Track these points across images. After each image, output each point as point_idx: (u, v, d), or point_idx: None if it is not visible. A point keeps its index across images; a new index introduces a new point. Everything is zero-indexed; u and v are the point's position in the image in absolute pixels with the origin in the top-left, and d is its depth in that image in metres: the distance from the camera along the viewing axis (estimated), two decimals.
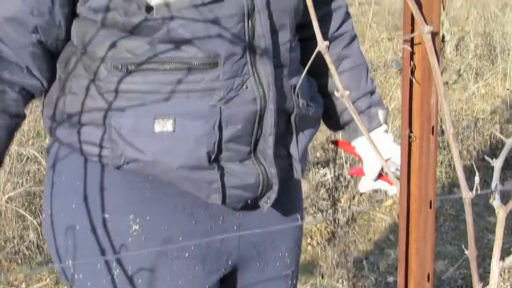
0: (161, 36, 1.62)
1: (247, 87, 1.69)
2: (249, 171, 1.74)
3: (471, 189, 1.08)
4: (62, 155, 1.79)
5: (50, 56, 1.73)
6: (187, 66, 1.64)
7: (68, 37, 1.72)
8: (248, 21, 1.66)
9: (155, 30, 1.62)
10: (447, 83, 6.50)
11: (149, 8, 1.60)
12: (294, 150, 1.82)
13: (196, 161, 1.68)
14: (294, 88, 1.78)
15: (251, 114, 1.70)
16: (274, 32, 1.71)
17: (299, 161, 1.83)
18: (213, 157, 1.68)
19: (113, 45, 1.65)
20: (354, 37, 2.00)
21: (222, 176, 1.72)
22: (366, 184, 2.00)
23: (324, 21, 1.94)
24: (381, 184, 2.01)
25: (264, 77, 1.69)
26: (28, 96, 1.72)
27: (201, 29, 1.63)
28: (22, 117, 1.72)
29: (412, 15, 1.19)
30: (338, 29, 1.97)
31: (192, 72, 1.65)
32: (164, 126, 1.66)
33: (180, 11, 1.61)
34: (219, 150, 1.69)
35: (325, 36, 1.83)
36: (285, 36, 1.75)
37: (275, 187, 1.77)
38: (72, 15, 1.69)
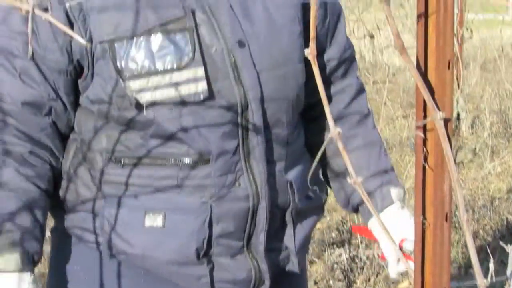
0: (152, 131, 1.65)
1: (239, 184, 1.69)
2: (241, 266, 1.73)
3: (486, 275, 1.06)
4: (62, 238, 1.80)
5: (62, 139, 1.76)
6: (178, 162, 1.66)
7: (73, 125, 1.76)
8: (242, 118, 1.67)
9: (146, 125, 1.65)
10: (462, 162, 6.47)
11: (139, 105, 1.62)
12: (290, 243, 1.80)
13: (185, 257, 1.68)
14: (291, 183, 1.77)
15: (243, 211, 1.70)
16: (268, 128, 1.72)
17: (295, 254, 1.81)
18: (202, 253, 1.68)
19: (108, 137, 1.69)
20: (366, 115, 1.97)
21: (211, 270, 1.71)
22: (392, 270, 1.92)
23: (332, 100, 1.93)
24: (406, 265, 1.96)
25: (258, 174, 1.69)
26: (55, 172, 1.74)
27: (192, 127, 1.65)
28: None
29: (424, 100, 1.18)
30: (347, 107, 1.94)
31: (183, 169, 1.66)
32: (154, 221, 1.67)
33: (170, 108, 1.63)
34: (209, 246, 1.69)
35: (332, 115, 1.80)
36: (280, 132, 1.75)
37: (267, 283, 1.74)
38: (76, 104, 1.72)
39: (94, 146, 1.71)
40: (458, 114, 7.27)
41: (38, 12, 0.99)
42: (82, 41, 0.96)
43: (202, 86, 1.63)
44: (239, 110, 1.67)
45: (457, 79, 7.04)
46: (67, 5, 1.62)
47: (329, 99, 1.88)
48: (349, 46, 1.95)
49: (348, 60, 1.94)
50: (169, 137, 1.65)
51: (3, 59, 1.67)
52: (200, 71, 1.63)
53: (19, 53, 1.66)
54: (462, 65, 7.26)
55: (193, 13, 1.64)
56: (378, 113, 7.44)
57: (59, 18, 1.61)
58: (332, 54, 1.89)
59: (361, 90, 1.97)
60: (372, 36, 9.90)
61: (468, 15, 7.73)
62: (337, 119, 1.89)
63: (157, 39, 1.62)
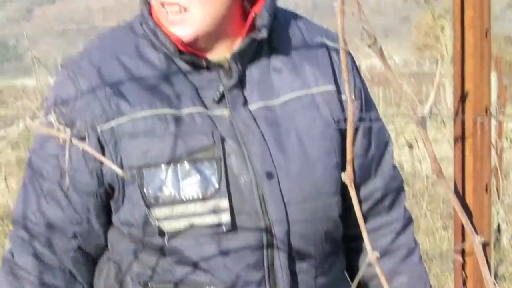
0: (177, 259, 1.67)
1: None
2: None
3: None
4: None
5: (91, 260, 1.78)
6: None
7: (106, 244, 1.78)
8: (267, 251, 1.67)
9: (171, 253, 1.67)
10: (503, 275, 6.35)
11: (163, 233, 1.66)
12: None
13: None
14: None
15: None
16: (295, 262, 1.71)
17: None
18: None
19: (137, 261, 1.71)
20: (413, 249, 1.89)
21: None
22: None
23: (377, 234, 1.86)
24: None
25: None
26: None
27: (216, 257, 1.66)
28: None
29: (462, 224, 1.19)
30: (393, 242, 1.87)
31: None
32: None
33: (193, 238, 1.65)
34: None
35: (377, 249, 1.77)
36: (309, 265, 1.74)
37: None
38: (109, 223, 1.75)
39: (123, 266, 1.73)
40: (499, 225, 7.17)
41: (75, 141, 1.02)
42: (118, 170, 0.98)
43: (226, 217, 1.64)
44: (265, 243, 1.67)
45: (496, 190, 6.98)
46: (99, 129, 1.67)
47: (374, 232, 1.85)
48: (395, 176, 1.88)
49: (394, 191, 1.87)
50: (193, 265, 1.66)
51: (34, 180, 1.71)
52: (225, 202, 1.64)
53: (48, 175, 1.70)
54: (501, 175, 7.21)
55: (223, 141, 1.67)
56: (417, 225, 7.37)
57: (91, 142, 1.65)
58: (376, 185, 1.84)
59: (408, 222, 1.90)
60: (410, 146, 9.92)
61: (507, 124, 7.73)
62: (382, 255, 1.83)
63: (184, 167, 1.64)
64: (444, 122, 9.49)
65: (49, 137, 1.68)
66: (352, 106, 1.21)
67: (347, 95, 1.17)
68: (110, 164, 1.06)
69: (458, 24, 1.32)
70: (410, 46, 40.79)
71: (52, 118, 1.02)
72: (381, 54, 1.15)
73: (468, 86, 1.33)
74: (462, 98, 1.32)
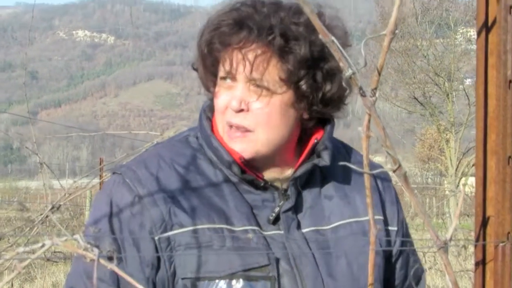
0: None
1: None
2: None
3: None
4: None
5: None
6: None
7: None
8: None
9: None
10: None
11: None
12: None
13: None
14: None
15: None
16: None
17: None
18: None
19: None
20: None
21: None
22: None
23: None
24: None
25: None
26: None
27: None
28: None
29: None
30: None
31: None
32: None
33: None
34: None
35: None
36: None
37: None
38: None
39: None
40: None
41: (102, 261, 1.02)
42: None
43: None
44: None
45: None
46: (156, 237, 1.70)
47: None
48: None
49: None
50: None
51: (89, 283, 1.73)
52: None
53: (107, 279, 1.70)
54: None
55: (277, 262, 1.69)
56: None
57: (148, 248, 1.69)
58: None
59: None
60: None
61: None
62: None
63: (238, 283, 1.67)
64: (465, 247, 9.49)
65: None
66: (375, 230, 1.21)
67: (370, 219, 1.18)
68: (133, 282, 1.05)
69: (481, 150, 1.34)
70: (414, 158, 41.04)
71: (79, 236, 1.02)
72: (405, 179, 1.16)
73: (490, 211, 1.34)
74: (483, 223, 1.33)
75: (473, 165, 25.71)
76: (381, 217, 1.86)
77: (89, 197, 14.88)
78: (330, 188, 1.84)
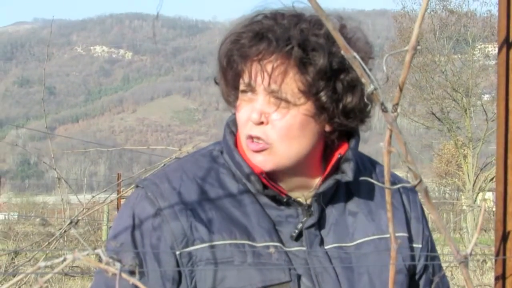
0: None
1: None
2: None
3: None
4: None
5: None
6: None
7: None
8: None
9: None
10: None
11: None
12: None
13: None
14: None
15: None
16: None
17: None
18: None
19: None
20: None
21: None
22: None
23: None
24: None
25: None
26: None
27: None
28: None
29: None
30: None
31: None
32: None
33: None
34: None
35: None
36: None
37: None
38: None
39: None
40: None
41: (125, 276, 1.02)
42: None
43: None
44: None
45: None
46: (178, 252, 1.70)
47: None
48: None
49: None
50: None
51: None
52: None
53: None
54: None
55: (299, 278, 1.69)
56: None
57: (170, 262, 1.70)
58: None
59: None
60: None
61: None
62: None
63: None
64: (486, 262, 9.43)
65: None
66: (395, 245, 1.21)
67: (391, 233, 1.18)
68: None
69: (501, 165, 1.34)
70: (432, 173, 40.90)
71: (101, 251, 1.02)
72: (426, 194, 1.16)
73: (510, 226, 1.33)
74: (503, 238, 1.32)
75: (490, 180, 25.60)
76: (406, 234, 1.84)
77: (106, 212, 14.90)
78: (354, 204, 1.83)
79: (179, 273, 1.70)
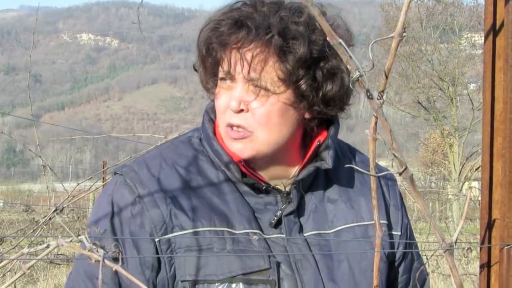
0: None
1: None
2: None
3: None
4: None
5: None
6: None
7: None
8: None
9: None
10: None
11: None
12: None
13: None
14: None
15: None
16: None
17: None
18: None
19: None
20: None
21: None
22: None
23: None
24: None
25: None
26: None
27: None
28: None
29: None
30: None
31: None
32: None
33: None
34: None
35: None
36: None
37: None
38: None
39: None
40: None
41: (108, 262, 1.01)
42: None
43: None
44: None
45: None
46: (157, 239, 1.69)
47: None
48: None
49: None
50: None
51: (90, 283, 1.73)
52: None
53: (108, 280, 1.70)
54: None
55: (278, 266, 1.68)
56: None
57: (149, 250, 1.69)
58: None
59: None
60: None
61: None
62: None
63: (238, 287, 1.66)
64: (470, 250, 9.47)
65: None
66: (380, 233, 1.21)
67: (376, 221, 1.17)
68: (138, 283, 1.05)
69: (487, 153, 1.34)
70: (417, 162, 41.01)
71: (84, 237, 1.02)
72: (411, 182, 1.15)
73: (495, 214, 1.33)
74: (489, 226, 1.33)
75: (476, 169, 25.67)
76: (385, 222, 1.85)
77: (92, 199, 14.87)
78: (334, 191, 1.83)
79: (159, 260, 1.69)
